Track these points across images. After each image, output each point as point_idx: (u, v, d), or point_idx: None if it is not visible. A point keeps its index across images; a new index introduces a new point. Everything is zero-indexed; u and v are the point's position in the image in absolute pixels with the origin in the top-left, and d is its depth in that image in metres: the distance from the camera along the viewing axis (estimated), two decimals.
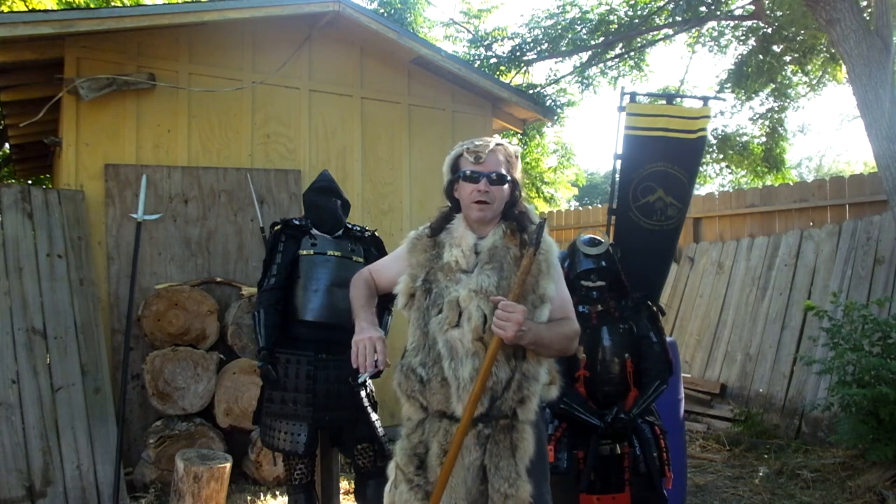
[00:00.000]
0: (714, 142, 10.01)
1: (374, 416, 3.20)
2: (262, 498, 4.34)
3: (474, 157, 2.03)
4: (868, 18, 5.62)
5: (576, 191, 14.12)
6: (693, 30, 9.55)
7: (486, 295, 1.93)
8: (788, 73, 9.39)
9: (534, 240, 1.93)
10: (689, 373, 6.59)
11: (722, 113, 10.08)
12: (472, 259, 2.02)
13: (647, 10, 9.37)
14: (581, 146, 47.23)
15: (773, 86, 9.34)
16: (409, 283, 2.08)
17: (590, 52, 9.76)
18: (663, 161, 3.93)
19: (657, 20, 9.33)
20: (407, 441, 2.03)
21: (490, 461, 1.91)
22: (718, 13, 8.80)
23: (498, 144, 2.08)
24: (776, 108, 9.78)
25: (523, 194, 2.16)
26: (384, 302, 3.40)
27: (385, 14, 10.99)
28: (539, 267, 1.99)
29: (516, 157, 2.12)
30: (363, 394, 3.20)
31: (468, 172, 2.03)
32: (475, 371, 1.90)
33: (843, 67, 6.81)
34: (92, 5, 8.81)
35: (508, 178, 2.05)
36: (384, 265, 2.33)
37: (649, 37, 9.66)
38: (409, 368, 2.01)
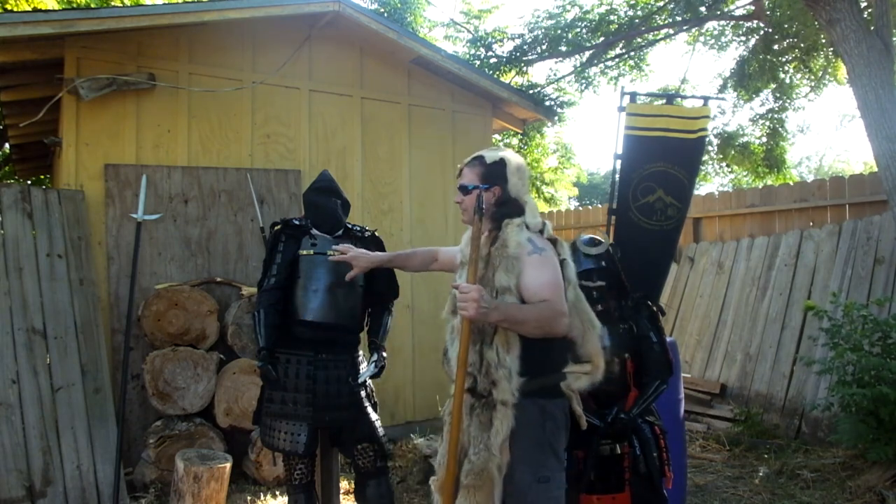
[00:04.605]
0: (716, 142, 10.00)
1: (374, 416, 3.19)
2: (262, 498, 4.34)
3: (458, 172, 2.37)
4: (868, 18, 5.62)
5: (577, 191, 14.11)
6: (693, 29, 9.55)
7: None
8: (791, 71, 9.38)
9: (477, 209, 2.14)
10: (689, 373, 6.59)
11: (722, 113, 10.08)
12: None
13: (647, 10, 9.37)
14: (581, 146, 47.23)
15: (774, 85, 9.33)
16: None
17: (590, 52, 9.75)
18: (663, 161, 3.93)
19: (657, 20, 9.33)
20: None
21: (468, 429, 2.13)
22: (718, 13, 8.80)
23: (475, 157, 2.32)
24: (776, 109, 9.77)
25: (508, 194, 2.29)
26: (384, 302, 3.43)
27: (385, 14, 10.98)
28: (493, 262, 2.16)
29: (498, 163, 2.27)
30: (363, 394, 3.20)
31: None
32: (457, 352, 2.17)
33: (844, 67, 6.80)
34: (92, 5, 8.80)
35: (480, 186, 2.25)
36: None
37: (649, 36, 9.66)
38: (446, 346, 2.32)
